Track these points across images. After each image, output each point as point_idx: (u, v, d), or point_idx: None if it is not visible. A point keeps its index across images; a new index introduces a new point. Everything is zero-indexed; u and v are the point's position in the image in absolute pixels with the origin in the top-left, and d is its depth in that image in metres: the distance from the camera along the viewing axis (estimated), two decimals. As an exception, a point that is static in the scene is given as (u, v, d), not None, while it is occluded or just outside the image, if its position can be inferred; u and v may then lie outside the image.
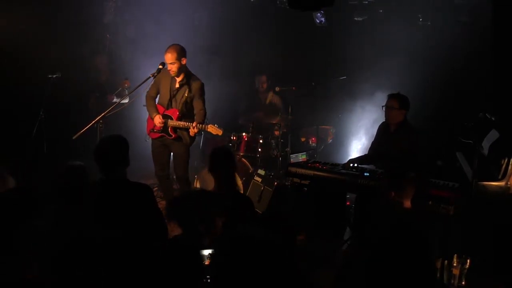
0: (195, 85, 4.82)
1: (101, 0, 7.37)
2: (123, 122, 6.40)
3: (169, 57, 4.68)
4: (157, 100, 5.04)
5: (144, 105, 6.14)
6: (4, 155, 5.11)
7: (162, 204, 5.52)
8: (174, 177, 5.31)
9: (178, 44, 4.77)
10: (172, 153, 5.07)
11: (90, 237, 2.63)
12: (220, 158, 3.56)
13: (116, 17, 7.52)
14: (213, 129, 4.78)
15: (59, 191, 2.72)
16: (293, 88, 6.46)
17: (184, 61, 4.75)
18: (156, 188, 6.18)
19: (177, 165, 5.05)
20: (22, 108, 5.88)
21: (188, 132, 4.81)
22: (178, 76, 4.80)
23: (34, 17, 6.12)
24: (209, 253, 2.41)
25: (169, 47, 4.73)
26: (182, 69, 4.77)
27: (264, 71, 7.15)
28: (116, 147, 3.13)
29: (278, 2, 6.99)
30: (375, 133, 5.00)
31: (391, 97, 4.61)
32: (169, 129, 4.84)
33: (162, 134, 4.90)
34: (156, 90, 4.96)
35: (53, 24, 6.44)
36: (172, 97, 4.85)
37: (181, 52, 4.72)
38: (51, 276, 2.46)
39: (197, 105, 4.87)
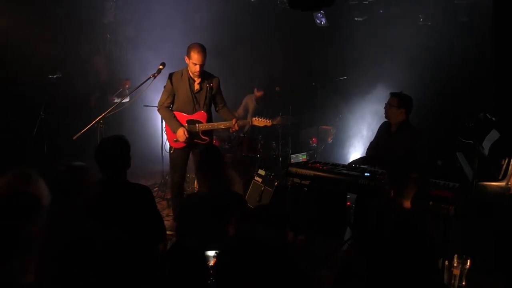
0: (215, 82, 4.74)
1: (101, 0, 7.38)
2: (124, 122, 6.40)
3: (202, 58, 4.52)
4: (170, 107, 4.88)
5: (144, 105, 6.16)
6: (4, 155, 5.11)
7: (162, 204, 5.54)
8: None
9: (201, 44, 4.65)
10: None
11: (89, 239, 2.63)
12: (208, 156, 3.47)
13: (116, 17, 7.53)
14: (259, 121, 4.77)
15: (59, 192, 2.71)
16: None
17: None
18: (156, 188, 6.20)
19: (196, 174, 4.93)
20: (22, 108, 5.88)
21: (211, 133, 4.81)
22: (205, 78, 4.70)
23: (34, 17, 6.12)
24: (214, 254, 2.41)
25: (199, 46, 4.53)
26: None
27: (262, 71, 7.16)
28: (117, 148, 3.12)
29: (278, 2, 7.00)
30: (374, 133, 4.99)
31: (392, 95, 4.60)
32: (200, 134, 4.73)
33: (196, 141, 4.73)
34: (171, 99, 4.77)
35: (53, 24, 6.45)
36: (195, 100, 4.72)
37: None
38: (47, 280, 2.46)
39: (220, 100, 4.86)
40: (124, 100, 5.36)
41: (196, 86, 4.69)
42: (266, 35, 7.57)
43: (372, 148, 4.83)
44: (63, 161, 2.84)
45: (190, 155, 4.87)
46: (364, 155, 5.65)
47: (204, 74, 4.68)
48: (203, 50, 4.53)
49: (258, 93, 6.84)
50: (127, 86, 6.60)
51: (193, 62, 4.51)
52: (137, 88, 4.84)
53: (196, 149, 4.72)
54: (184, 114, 4.75)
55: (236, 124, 4.71)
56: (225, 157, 5.94)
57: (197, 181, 4.71)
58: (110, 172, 3.09)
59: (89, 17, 7.07)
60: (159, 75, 4.73)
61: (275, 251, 1.66)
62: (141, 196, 3.12)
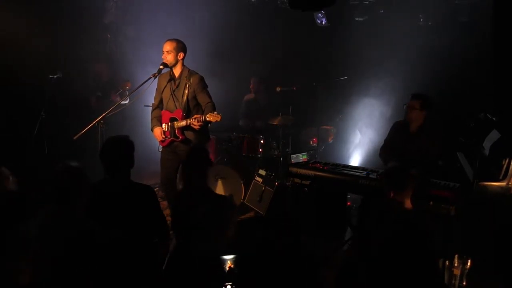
0: (193, 80, 4.69)
1: (102, 0, 7.38)
2: (124, 122, 6.41)
3: (167, 46, 4.65)
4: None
5: (145, 105, 6.19)
6: (4, 156, 5.11)
7: (163, 204, 5.54)
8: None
9: (180, 40, 4.75)
10: (181, 163, 4.74)
11: (89, 239, 2.63)
12: (195, 156, 3.53)
13: (117, 17, 7.53)
14: (212, 117, 4.47)
15: (55, 192, 2.72)
16: (294, 88, 6.46)
17: (181, 56, 4.68)
18: (157, 188, 6.19)
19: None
20: (22, 108, 5.88)
21: (194, 132, 4.66)
22: (173, 68, 4.73)
23: (35, 17, 6.12)
24: (231, 259, 2.41)
25: (171, 38, 4.73)
26: (177, 62, 4.69)
27: (261, 72, 7.18)
28: (121, 148, 3.14)
29: (279, 2, 7.00)
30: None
31: (413, 97, 4.55)
32: (176, 131, 4.72)
33: (172, 139, 4.75)
34: (159, 98, 4.87)
35: (54, 24, 6.45)
36: (174, 97, 4.77)
37: (180, 46, 4.67)
38: (45, 281, 2.46)
39: (202, 99, 4.72)
40: (123, 102, 5.37)
41: (175, 84, 4.74)
42: (266, 35, 7.56)
43: (389, 148, 4.73)
44: (62, 162, 2.84)
45: None
46: (370, 156, 5.65)
47: (185, 72, 4.72)
48: (170, 40, 4.69)
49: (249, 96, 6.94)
50: (127, 87, 6.61)
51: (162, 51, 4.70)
52: (137, 88, 4.85)
53: (176, 148, 4.77)
54: (168, 112, 4.80)
55: (195, 119, 4.53)
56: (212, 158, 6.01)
57: (182, 179, 4.74)
58: (115, 172, 3.11)
59: (90, 17, 7.07)
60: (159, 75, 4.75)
61: (292, 258, 1.67)
62: (144, 196, 3.14)
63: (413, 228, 2.97)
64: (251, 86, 7.18)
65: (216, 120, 4.45)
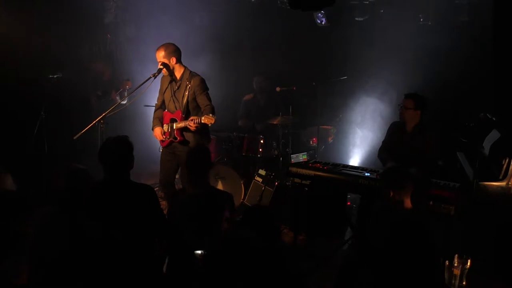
0: (194, 82, 4.69)
1: (101, 0, 7.38)
2: (124, 122, 6.40)
3: (157, 56, 4.66)
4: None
5: (145, 106, 6.20)
6: (4, 155, 5.12)
7: (162, 204, 5.54)
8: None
9: (169, 43, 4.70)
10: (180, 164, 4.86)
11: (89, 239, 2.64)
12: (197, 156, 3.56)
13: (117, 17, 7.53)
14: (206, 119, 4.47)
15: (56, 193, 2.72)
16: (294, 88, 6.46)
17: (173, 60, 4.65)
18: (157, 188, 6.19)
19: (184, 175, 4.78)
20: (23, 108, 5.89)
21: (194, 133, 4.67)
22: (171, 76, 4.75)
23: (35, 17, 6.13)
24: (200, 253, 2.42)
25: (159, 46, 4.69)
26: (173, 68, 4.70)
27: (262, 71, 7.16)
28: (121, 148, 3.14)
29: (278, 2, 7.00)
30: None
31: (406, 97, 4.56)
32: (175, 132, 4.74)
33: (171, 139, 4.77)
34: (161, 99, 4.91)
35: (54, 24, 6.45)
36: (175, 99, 4.79)
37: (168, 51, 4.64)
38: (44, 281, 2.46)
39: (201, 101, 4.72)
40: (123, 102, 5.38)
41: (176, 85, 4.76)
42: (266, 35, 7.56)
43: (387, 149, 4.74)
44: (63, 162, 2.85)
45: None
46: (370, 156, 5.61)
47: (186, 74, 4.73)
48: (159, 48, 4.66)
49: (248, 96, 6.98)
50: (127, 86, 6.62)
51: None
52: (137, 88, 4.86)
53: (175, 148, 4.79)
54: (169, 113, 4.83)
55: (192, 120, 4.53)
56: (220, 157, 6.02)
57: (186, 180, 4.73)
58: (114, 172, 3.11)
59: (90, 17, 7.07)
60: (159, 75, 4.75)
61: (261, 252, 1.67)
62: (144, 196, 3.15)
63: (413, 228, 2.98)
64: (254, 86, 7.13)
65: (210, 123, 4.47)
